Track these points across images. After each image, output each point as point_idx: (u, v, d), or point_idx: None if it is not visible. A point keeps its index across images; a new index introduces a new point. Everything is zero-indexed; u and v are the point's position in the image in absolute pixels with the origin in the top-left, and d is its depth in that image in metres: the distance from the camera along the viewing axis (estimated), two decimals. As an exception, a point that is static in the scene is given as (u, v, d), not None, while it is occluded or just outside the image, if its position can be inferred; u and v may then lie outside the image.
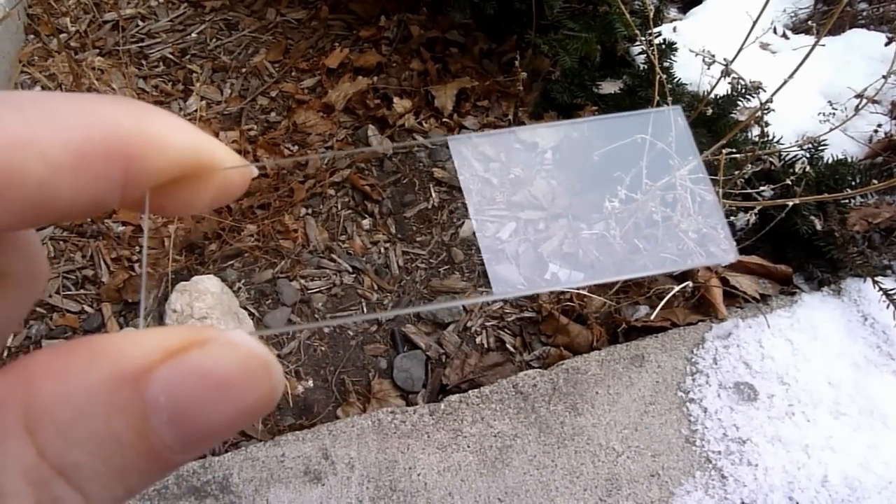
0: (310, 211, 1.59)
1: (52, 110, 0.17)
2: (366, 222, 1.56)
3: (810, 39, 1.78)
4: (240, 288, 1.47)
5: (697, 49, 1.60)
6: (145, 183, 0.19)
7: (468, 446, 1.17)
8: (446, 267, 1.50)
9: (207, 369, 0.17)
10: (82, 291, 1.48)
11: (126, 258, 1.51)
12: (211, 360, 0.17)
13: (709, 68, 1.10)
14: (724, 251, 0.31)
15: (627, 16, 1.21)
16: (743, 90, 1.31)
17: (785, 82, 1.24)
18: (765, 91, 1.25)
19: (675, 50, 1.49)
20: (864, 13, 1.98)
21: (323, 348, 1.40)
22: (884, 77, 1.32)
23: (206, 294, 1.35)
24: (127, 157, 0.18)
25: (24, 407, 0.16)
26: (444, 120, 1.71)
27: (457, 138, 0.28)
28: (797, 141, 1.50)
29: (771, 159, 1.43)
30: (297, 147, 1.69)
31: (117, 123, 0.18)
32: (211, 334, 0.17)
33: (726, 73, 1.07)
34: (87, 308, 1.45)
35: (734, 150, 1.33)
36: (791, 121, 1.60)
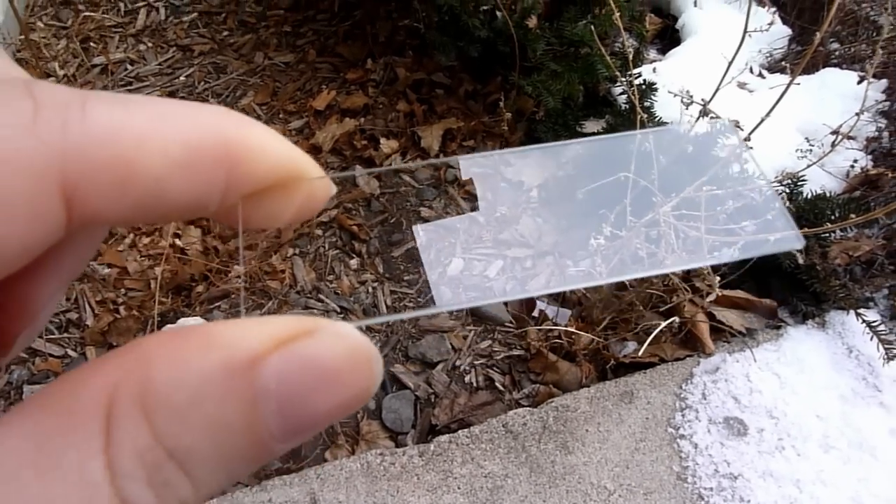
0: (297, 251, 1.59)
1: (169, 111, 0.18)
2: (353, 262, 1.57)
3: (786, 78, 1.83)
4: (227, 329, 1.46)
5: (677, 89, 1.64)
6: (243, 188, 0.20)
7: (458, 487, 1.16)
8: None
9: (316, 358, 0.17)
10: (66, 335, 1.46)
11: (111, 301, 1.50)
12: (320, 349, 0.17)
13: (687, 108, 1.13)
14: (790, 238, 0.29)
15: (608, 58, 1.24)
16: (721, 128, 1.33)
17: (762, 120, 1.27)
18: (742, 129, 1.28)
19: (655, 90, 1.53)
20: (837, 52, 2.05)
21: (311, 389, 1.39)
22: (857, 114, 1.36)
23: (192, 336, 1.34)
24: (231, 161, 0.19)
25: (141, 389, 0.16)
26: (431, 160, 1.73)
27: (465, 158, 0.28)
28: (777, 177, 1.53)
29: (752, 195, 1.46)
30: (284, 188, 1.70)
31: (224, 128, 0.19)
32: (319, 324, 0.18)
33: (704, 112, 1.09)
34: (70, 352, 1.43)
35: (715, 187, 1.36)
36: (771, 157, 1.64)
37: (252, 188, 0.20)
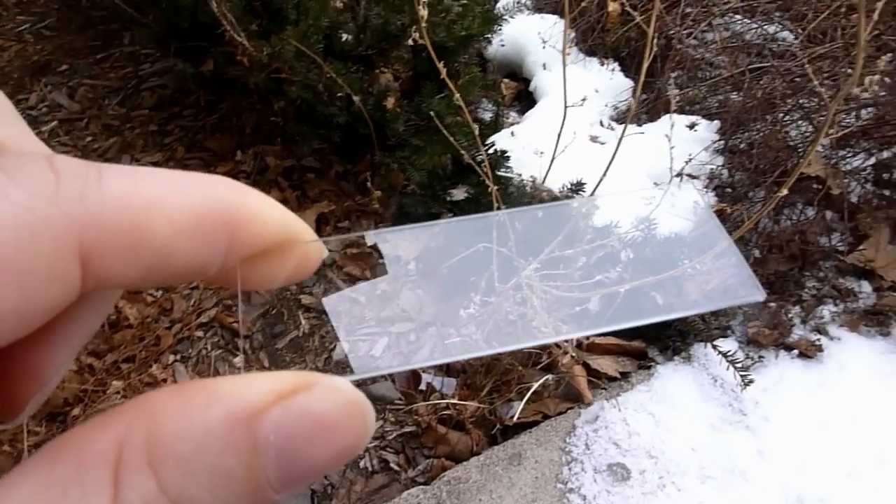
0: (178, 357, 1.55)
1: (176, 180, 0.20)
2: (237, 360, 1.55)
3: (633, 128, 1.98)
4: (108, 451, 1.40)
5: (533, 149, 1.73)
6: (243, 251, 0.21)
7: (358, 582, 1.14)
8: (324, 393, 1.50)
9: (314, 411, 0.18)
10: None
11: (-22, 440, 1.41)
12: (317, 402, 0.18)
13: (527, 188, 1.21)
14: (752, 290, 0.29)
15: (453, 140, 1.31)
16: (565, 190, 1.43)
17: (601, 180, 1.38)
18: (583, 189, 1.38)
19: (508, 158, 1.61)
20: (678, 98, 2.23)
21: (203, 501, 1.35)
22: (686, 162, 1.49)
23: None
24: (232, 225, 0.20)
25: (147, 442, 0.17)
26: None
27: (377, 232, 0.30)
28: (632, 224, 1.64)
29: (612, 244, 1.55)
30: (160, 292, 1.67)
31: (226, 195, 0.20)
32: (316, 379, 0.19)
33: (535, 188, 1.17)
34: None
35: (571, 244, 1.44)
36: (626, 206, 1.76)
37: (251, 251, 0.21)
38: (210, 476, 0.17)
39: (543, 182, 1.23)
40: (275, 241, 0.22)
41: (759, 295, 0.29)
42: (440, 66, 1.31)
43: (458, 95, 1.33)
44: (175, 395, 0.18)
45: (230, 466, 0.17)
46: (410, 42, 1.60)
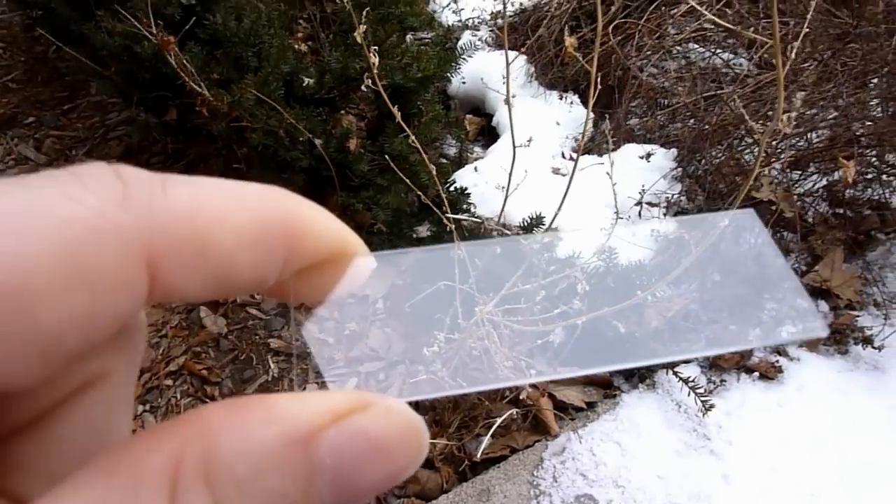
0: (147, 407, 1.55)
1: (235, 190, 0.20)
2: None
3: (594, 158, 2.02)
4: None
5: (495, 184, 1.76)
6: (299, 263, 0.21)
7: None
8: (294, 436, 1.50)
9: (370, 432, 0.18)
10: None
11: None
12: (373, 423, 0.18)
13: (483, 226, 1.23)
14: (814, 326, 0.28)
15: (409, 182, 1.34)
16: (526, 224, 1.46)
17: (557, 211, 1.41)
18: (542, 223, 1.41)
19: (468, 195, 1.65)
20: (638, 127, 2.29)
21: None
22: (640, 193, 1.53)
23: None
24: (291, 237, 0.20)
25: (205, 460, 0.17)
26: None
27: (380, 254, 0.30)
28: (594, 254, 1.67)
29: (575, 274, 1.58)
30: (128, 342, 1.67)
31: (285, 207, 0.20)
32: (372, 399, 0.19)
33: (486, 227, 1.20)
34: None
35: (536, 276, 1.47)
36: (588, 236, 1.79)
37: (306, 263, 0.21)
38: (267, 497, 0.17)
39: (500, 219, 1.26)
40: (329, 253, 0.22)
41: (822, 330, 0.28)
42: (395, 109, 1.35)
43: (412, 137, 1.37)
44: (233, 411, 0.18)
45: (288, 490, 0.17)
46: (364, 88, 1.64)
